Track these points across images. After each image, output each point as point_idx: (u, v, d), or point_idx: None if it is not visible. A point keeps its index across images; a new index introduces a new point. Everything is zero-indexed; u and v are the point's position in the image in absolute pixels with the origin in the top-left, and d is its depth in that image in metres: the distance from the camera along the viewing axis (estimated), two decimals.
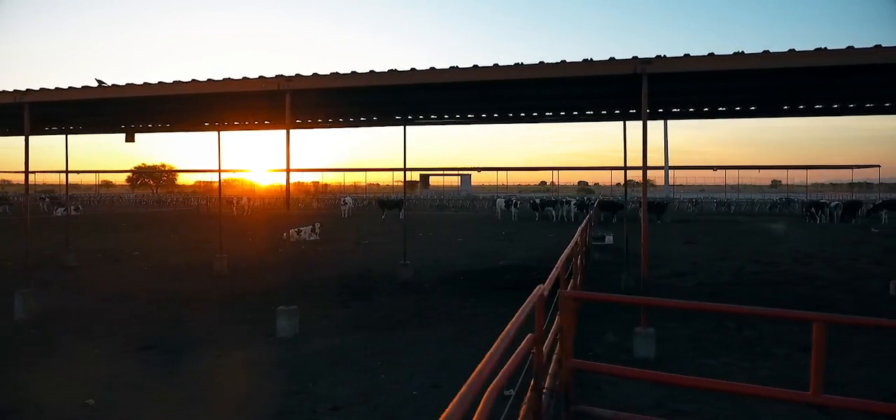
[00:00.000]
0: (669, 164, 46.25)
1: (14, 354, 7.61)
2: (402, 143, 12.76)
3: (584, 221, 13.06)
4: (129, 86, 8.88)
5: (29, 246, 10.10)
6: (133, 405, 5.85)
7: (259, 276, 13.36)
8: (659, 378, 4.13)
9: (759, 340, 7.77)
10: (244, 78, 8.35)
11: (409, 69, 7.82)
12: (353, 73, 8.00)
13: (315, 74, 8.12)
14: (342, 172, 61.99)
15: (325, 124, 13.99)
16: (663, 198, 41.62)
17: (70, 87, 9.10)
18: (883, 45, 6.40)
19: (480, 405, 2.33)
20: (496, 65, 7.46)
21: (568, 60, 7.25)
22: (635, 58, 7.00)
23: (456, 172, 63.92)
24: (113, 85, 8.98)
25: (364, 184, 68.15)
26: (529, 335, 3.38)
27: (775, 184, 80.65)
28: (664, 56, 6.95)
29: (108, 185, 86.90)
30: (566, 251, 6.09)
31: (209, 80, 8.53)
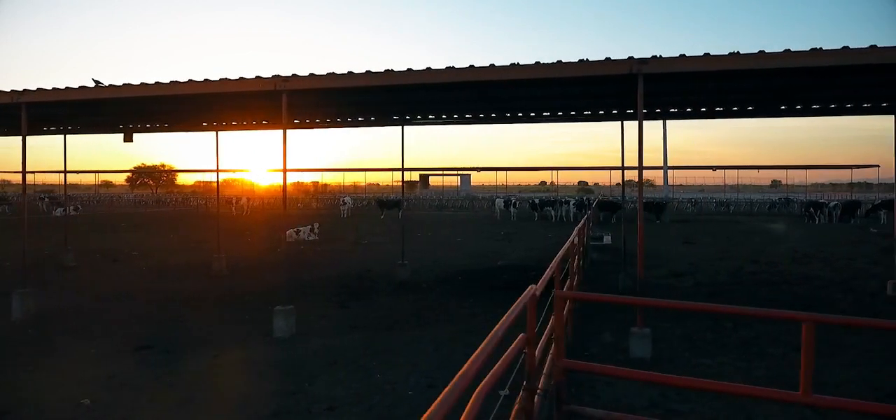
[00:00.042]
0: (669, 164, 46.25)
1: (11, 354, 7.62)
2: (400, 144, 12.77)
3: (582, 221, 13.06)
4: (126, 86, 8.89)
5: (27, 246, 10.10)
6: (129, 405, 5.86)
7: (257, 276, 13.37)
8: (650, 378, 4.14)
9: (756, 340, 7.77)
10: (241, 78, 8.36)
11: (405, 69, 7.83)
12: (350, 73, 8.01)
13: (312, 75, 8.13)
14: (341, 172, 61.99)
15: (323, 124, 14.00)
16: (662, 198, 41.61)
17: (67, 88, 9.11)
18: (878, 46, 6.41)
19: (469, 406, 2.34)
20: (492, 65, 7.47)
21: (564, 61, 7.26)
22: (631, 58, 7.01)
23: (455, 172, 63.93)
24: (110, 85, 8.99)
25: (364, 184, 68.18)
26: (521, 335, 3.39)
27: (775, 184, 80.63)
28: (660, 56, 6.96)
29: (107, 185, 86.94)
30: (561, 251, 6.10)
31: (206, 80, 8.54)
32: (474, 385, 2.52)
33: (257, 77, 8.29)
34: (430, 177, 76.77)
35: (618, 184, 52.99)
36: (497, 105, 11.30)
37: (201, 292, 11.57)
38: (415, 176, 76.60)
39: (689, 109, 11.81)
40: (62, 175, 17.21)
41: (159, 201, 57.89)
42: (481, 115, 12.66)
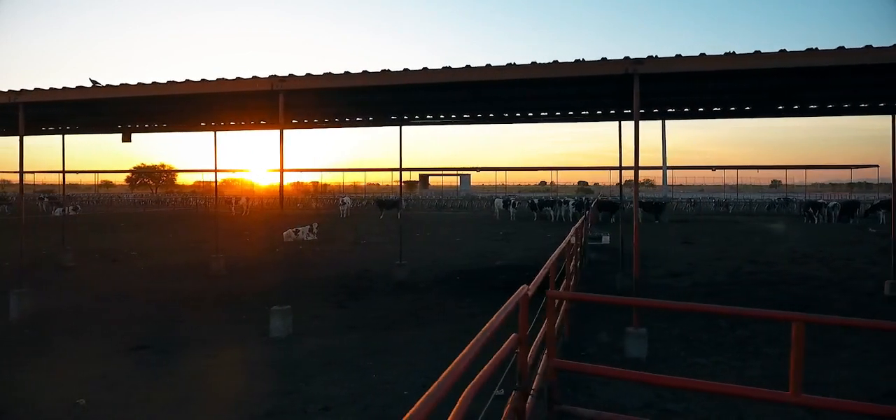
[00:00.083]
0: (668, 164, 46.26)
1: (7, 354, 7.62)
2: (398, 144, 12.78)
3: (579, 221, 13.07)
4: (123, 86, 8.90)
5: (24, 246, 10.11)
6: (125, 405, 5.87)
7: (255, 276, 13.38)
8: (641, 378, 4.15)
9: (752, 340, 7.78)
10: (238, 78, 8.37)
11: (402, 69, 7.83)
12: (347, 73, 8.02)
13: (308, 74, 8.14)
14: (341, 172, 62.00)
15: (321, 124, 14.01)
16: (661, 198, 41.62)
17: (64, 88, 9.12)
18: (874, 46, 6.42)
19: (457, 405, 2.35)
20: (489, 65, 7.48)
21: (560, 61, 7.27)
22: (627, 58, 7.01)
23: (455, 172, 63.95)
24: (107, 85, 9.00)
25: (364, 184, 68.19)
26: (513, 335, 3.40)
27: (775, 184, 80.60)
28: (655, 56, 6.96)
29: (107, 185, 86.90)
30: (556, 251, 6.11)
31: (203, 80, 8.55)
32: (464, 384, 2.52)
33: (254, 77, 8.30)
34: (430, 177, 76.77)
35: (618, 184, 52.91)
36: (495, 105, 11.31)
37: (199, 292, 11.58)
38: (415, 176, 76.66)
39: (686, 109, 11.82)
40: (63, 175, 17.23)
41: (159, 201, 57.91)
42: (479, 116, 12.67)
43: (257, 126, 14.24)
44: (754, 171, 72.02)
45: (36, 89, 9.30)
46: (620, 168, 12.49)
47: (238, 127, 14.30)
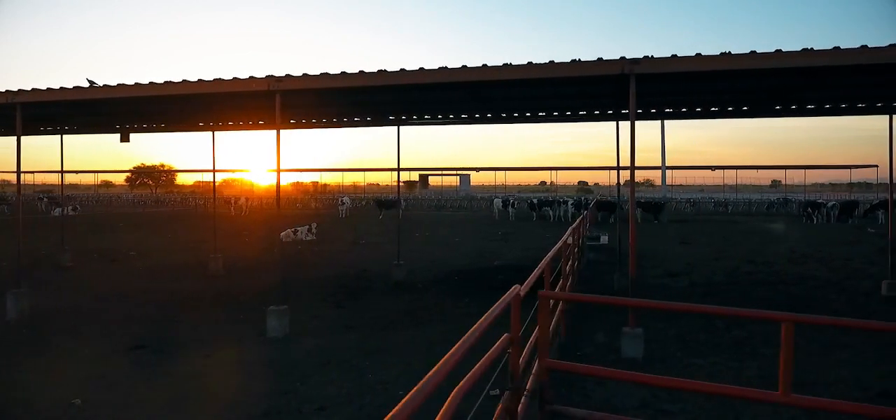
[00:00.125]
0: (668, 164, 46.28)
1: (4, 354, 7.64)
2: (397, 144, 12.78)
3: (577, 221, 13.07)
4: (121, 86, 8.90)
5: (22, 246, 10.12)
6: (121, 404, 5.88)
7: (254, 276, 13.38)
8: (633, 378, 4.16)
9: (749, 340, 7.78)
10: (234, 78, 8.37)
11: (398, 69, 7.84)
12: (344, 73, 8.02)
13: (305, 75, 8.14)
14: (340, 172, 62.01)
15: (319, 124, 14.01)
16: (660, 198, 41.63)
17: (61, 88, 9.12)
18: (869, 46, 6.42)
19: (446, 404, 2.35)
20: (485, 65, 7.48)
21: (556, 61, 7.27)
22: (623, 58, 7.02)
23: (455, 172, 63.96)
24: (104, 85, 9.00)
25: (363, 184, 68.19)
26: (505, 335, 3.40)
27: (775, 184, 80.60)
28: (651, 57, 6.96)
29: (107, 185, 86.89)
30: (551, 252, 6.11)
31: (200, 80, 8.55)
32: (454, 384, 2.53)
33: (251, 77, 8.30)
34: (430, 177, 76.79)
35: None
36: (493, 105, 11.32)
37: (197, 292, 11.59)
38: (414, 176, 76.67)
39: (684, 110, 11.83)
40: (60, 175, 17.23)
41: (158, 201, 57.91)
42: (477, 116, 12.68)
43: (256, 126, 14.25)
44: (754, 172, 72.25)
45: (33, 89, 9.31)
46: (618, 168, 12.49)
47: (236, 127, 14.31)
